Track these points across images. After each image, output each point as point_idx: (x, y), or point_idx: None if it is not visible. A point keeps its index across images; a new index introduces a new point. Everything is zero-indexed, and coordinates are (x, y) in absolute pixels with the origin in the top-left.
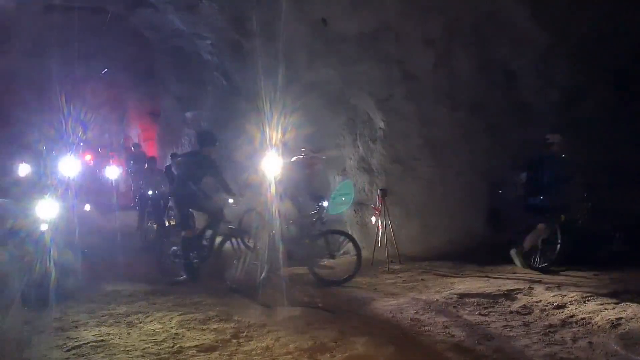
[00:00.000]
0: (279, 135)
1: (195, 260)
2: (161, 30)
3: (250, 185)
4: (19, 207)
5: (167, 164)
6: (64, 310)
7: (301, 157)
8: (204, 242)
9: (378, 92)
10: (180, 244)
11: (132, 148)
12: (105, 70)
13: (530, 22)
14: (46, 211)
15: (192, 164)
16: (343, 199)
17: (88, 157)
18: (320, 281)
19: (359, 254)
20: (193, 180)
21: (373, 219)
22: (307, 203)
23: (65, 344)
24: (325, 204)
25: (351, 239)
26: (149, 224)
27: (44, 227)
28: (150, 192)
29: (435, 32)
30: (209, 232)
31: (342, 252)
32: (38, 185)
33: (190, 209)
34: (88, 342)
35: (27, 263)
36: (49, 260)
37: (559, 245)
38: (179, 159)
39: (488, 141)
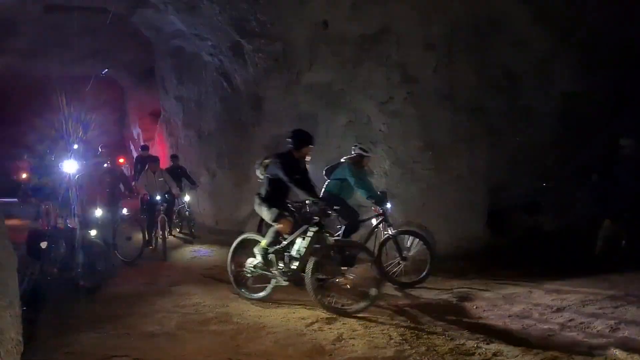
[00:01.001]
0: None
1: (281, 271)
2: (162, 30)
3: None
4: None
5: (167, 166)
6: (62, 311)
7: (353, 155)
8: (294, 254)
9: (378, 94)
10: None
11: (140, 150)
12: (106, 70)
13: (531, 26)
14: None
15: (284, 166)
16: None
17: (122, 160)
18: (397, 284)
19: (432, 254)
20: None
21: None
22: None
23: (64, 344)
24: (389, 205)
25: (422, 238)
26: (167, 235)
27: (93, 233)
28: (158, 197)
29: (436, 35)
30: (299, 241)
31: (413, 252)
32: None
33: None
34: (87, 343)
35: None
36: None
37: (623, 242)
38: (267, 160)
39: (488, 144)
